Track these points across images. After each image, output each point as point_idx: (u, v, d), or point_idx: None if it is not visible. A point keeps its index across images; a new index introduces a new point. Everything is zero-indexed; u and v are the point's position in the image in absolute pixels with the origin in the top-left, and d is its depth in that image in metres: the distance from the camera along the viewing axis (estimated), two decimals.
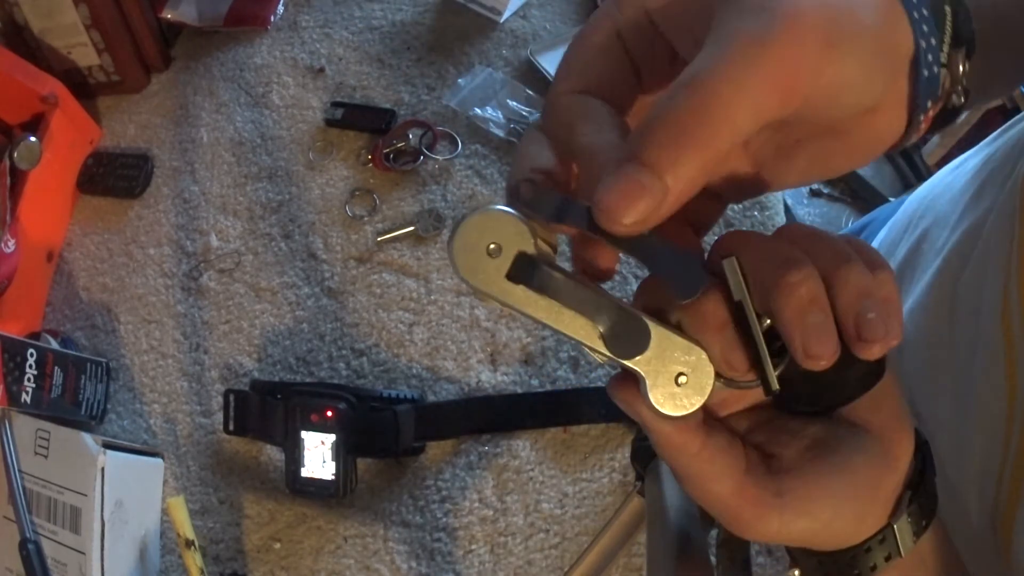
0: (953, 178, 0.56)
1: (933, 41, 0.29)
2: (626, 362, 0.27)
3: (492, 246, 0.26)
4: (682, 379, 0.27)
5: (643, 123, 0.25)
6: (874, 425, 0.30)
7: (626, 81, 0.30)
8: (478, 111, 0.73)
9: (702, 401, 0.27)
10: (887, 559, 0.30)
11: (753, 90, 0.24)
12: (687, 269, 0.26)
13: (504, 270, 0.26)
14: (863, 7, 0.27)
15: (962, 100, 0.32)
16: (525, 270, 0.26)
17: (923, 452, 0.32)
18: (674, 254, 0.26)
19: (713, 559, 0.39)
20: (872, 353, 0.26)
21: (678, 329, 0.27)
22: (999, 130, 0.54)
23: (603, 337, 0.27)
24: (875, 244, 0.64)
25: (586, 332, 0.27)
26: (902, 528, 0.31)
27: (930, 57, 0.29)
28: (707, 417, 0.29)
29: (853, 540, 0.30)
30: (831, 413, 0.31)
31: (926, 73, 0.29)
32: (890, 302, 0.26)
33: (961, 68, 0.31)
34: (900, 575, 0.32)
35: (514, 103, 0.74)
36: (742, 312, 0.27)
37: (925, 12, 0.29)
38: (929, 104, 0.30)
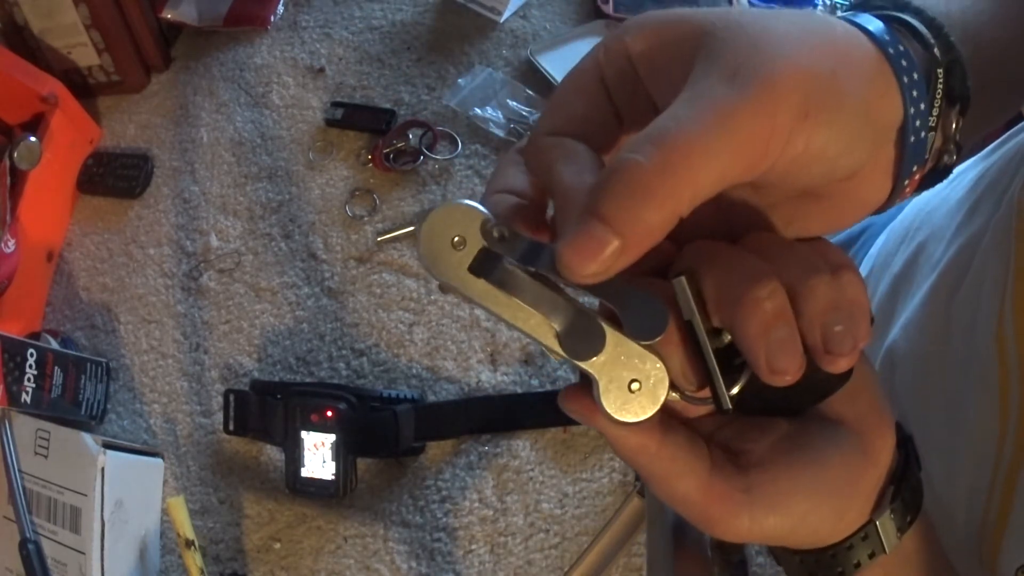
0: (950, 191, 0.56)
1: (923, 106, 0.28)
2: (579, 363, 0.27)
3: (456, 239, 0.26)
4: (635, 385, 0.27)
5: (606, 173, 0.24)
6: (849, 418, 0.29)
7: (607, 125, 0.30)
8: (478, 111, 0.73)
9: (655, 409, 0.27)
10: (871, 556, 0.30)
11: (720, 155, 0.24)
12: (649, 311, 0.26)
13: (466, 263, 0.27)
14: (849, 73, 0.26)
15: (954, 158, 0.31)
16: (486, 264, 0.27)
17: (906, 446, 0.31)
18: (636, 295, 0.26)
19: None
20: (839, 366, 0.26)
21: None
22: (996, 142, 0.53)
23: (559, 336, 0.27)
24: (872, 252, 0.64)
25: (542, 330, 0.27)
26: (885, 524, 0.30)
27: (918, 123, 0.28)
28: (665, 416, 0.28)
29: (834, 538, 0.30)
30: (802, 412, 0.30)
31: (913, 139, 0.28)
32: (856, 304, 0.26)
33: (953, 126, 0.30)
34: (885, 573, 0.31)
35: (514, 103, 0.74)
36: (693, 330, 0.27)
37: (916, 76, 0.28)
38: (915, 168, 0.29)
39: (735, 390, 0.27)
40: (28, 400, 0.57)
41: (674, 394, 0.27)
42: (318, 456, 0.57)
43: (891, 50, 0.27)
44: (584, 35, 0.78)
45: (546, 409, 0.61)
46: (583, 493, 0.59)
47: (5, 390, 0.56)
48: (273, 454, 0.63)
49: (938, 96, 0.29)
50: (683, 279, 0.27)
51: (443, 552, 0.58)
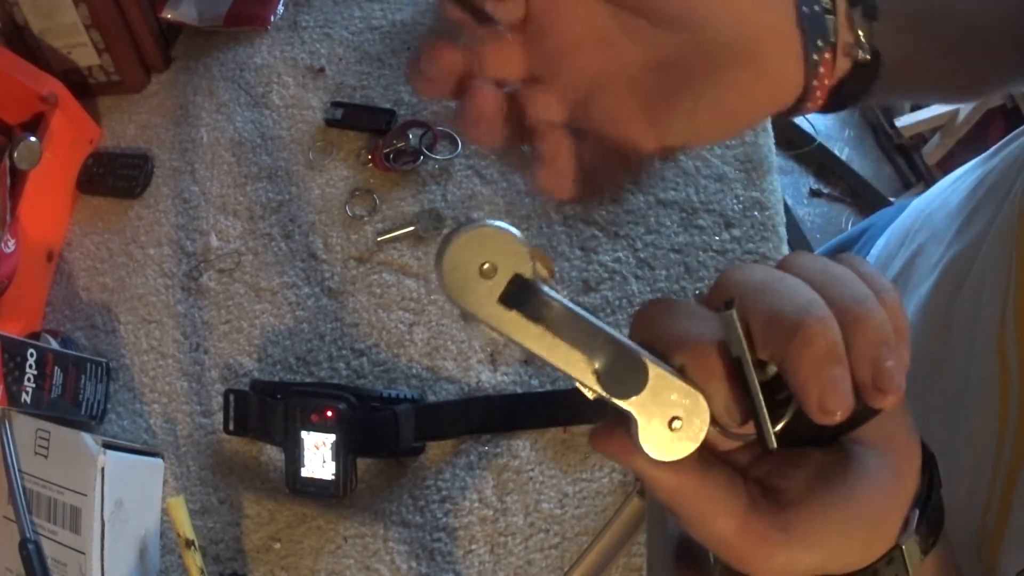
0: (950, 193, 0.56)
1: None
2: (620, 402, 0.25)
3: (486, 266, 0.24)
4: (676, 423, 0.25)
5: None
6: (880, 441, 0.28)
7: None
8: None
9: (695, 447, 0.26)
10: None
11: None
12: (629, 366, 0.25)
13: (497, 293, 0.24)
14: None
15: (868, 57, 0.32)
16: (520, 294, 0.24)
17: (930, 466, 0.30)
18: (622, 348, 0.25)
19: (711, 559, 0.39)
20: (887, 403, 0.25)
21: (680, 373, 0.26)
22: (997, 146, 0.53)
23: (597, 373, 0.25)
24: (872, 253, 0.64)
25: (580, 368, 0.25)
26: (910, 548, 0.29)
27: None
28: (704, 452, 0.27)
29: (860, 565, 0.29)
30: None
31: (806, 10, 0.30)
32: (901, 334, 0.25)
33: (860, 27, 0.31)
34: None
35: None
36: (741, 366, 0.25)
37: None
38: (820, 44, 0.30)
39: (779, 426, 0.25)
40: (28, 400, 0.57)
41: (715, 429, 0.26)
42: (318, 456, 0.57)
43: None
44: None
45: (546, 409, 0.61)
46: (583, 493, 0.59)
47: (5, 390, 0.56)
48: (273, 454, 0.63)
49: None
50: (733, 313, 0.25)
51: (443, 552, 0.58)
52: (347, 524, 0.60)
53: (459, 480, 0.60)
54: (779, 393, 0.25)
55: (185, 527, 0.54)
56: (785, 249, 0.66)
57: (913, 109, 1.96)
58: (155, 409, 0.66)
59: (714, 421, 0.26)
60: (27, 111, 0.71)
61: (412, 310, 0.66)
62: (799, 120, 1.98)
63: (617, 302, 0.65)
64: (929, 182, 1.89)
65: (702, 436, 0.26)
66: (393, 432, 0.58)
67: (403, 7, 0.82)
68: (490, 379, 0.63)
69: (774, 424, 0.25)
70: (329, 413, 0.56)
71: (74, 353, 0.64)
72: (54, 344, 0.65)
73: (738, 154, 0.70)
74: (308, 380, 0.65)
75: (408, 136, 0.72)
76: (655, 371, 0.25)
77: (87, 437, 0.56)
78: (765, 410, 0.25)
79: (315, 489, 0.57)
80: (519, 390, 0.62)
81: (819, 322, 0.24)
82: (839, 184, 1.95)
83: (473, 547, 0.58)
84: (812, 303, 0.24)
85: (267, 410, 0.59)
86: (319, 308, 0.68)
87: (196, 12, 0.82)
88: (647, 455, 0.26)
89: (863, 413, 0.26)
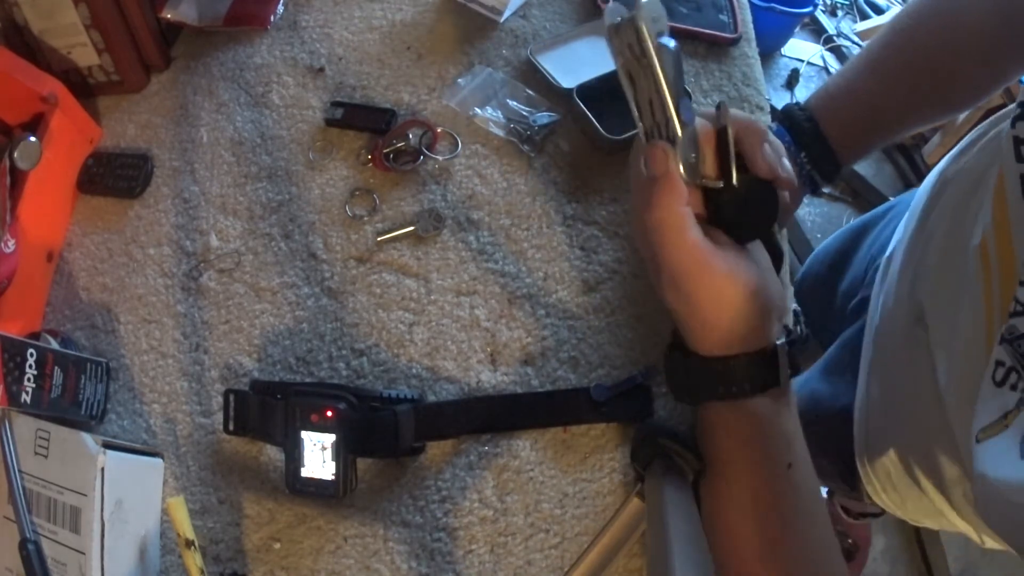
0: (955, 150, 0.71)
1: (802, 155, 0.64)
2: (677, 123, 0.44)
3: (656, 17, 0.43)
4: (692, 159, 0.45)
5: None
6: (766, 263, 0.50)
7: None
8: (478, 111, 0.73)
9: (697, 179, 0.46)
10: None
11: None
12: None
13: (656, 32, 0.43)
14: None
15: (824, 177, 0.64)
16: (663, 41, 0.43)
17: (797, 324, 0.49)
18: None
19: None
20: (766, 173, 0.47)
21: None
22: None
23: (675, 103, 0.44)
24: (913, 202, 0.78)
25: (671, 96, 0.44)
26: (782, 353, 0.47)
27: (802, 164, 0.63)
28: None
29: (750, 348, 0.46)
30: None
31: (803, 170, 0.63)
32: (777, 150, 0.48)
33: (816, 160, 0.62)
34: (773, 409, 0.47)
35: (514, 103, 0.74)
36: (724, 142, 0.46)
37: (791, 144, 0.63)
38: (807, 187, 0.64)
39: (735, 175, 0.46)
40: (28, 400, 0.57)
41: (703, 179, 0.46)
42: (318, 456, 0.57)
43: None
44: (584, 35, 0.77)
45: (546, 409, 0.61)
46: (583, 493, 0.59)
47: (5, 390, 0.56)
48: (273, 454, 0.63)
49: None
50: (724, 103, 0.47)
51: (443, 552, 0.58)
52: (347, 524, 0.60)
53: (459, 480, 0.60)
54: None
55: (185, 527, 0.54)
56: (784, 248, 0.66)
57: None
58: (155, 409, 0.66)
59: (704, 175, 0.46)
60: (27, 111, 0.71)
61: (412, 310, 0.66)
62: None
63: (617, 302, 0.65)
64: None
65: (700, 177, 0.46)
66: (393, 432, 0.58)
67: (403, 7, 0.82)
68: (490, 379, 0.63)
69: (730, 176, 0.46)
70: (329, 413, 0.56)
71: (74, 353, 0.64)
72: (54, 344, 0.65)
73: None
74: (308, 380, 0.65)
75: (408, 136, 0.72)
76: (688, 127, 0.45)
77: (87, 437, 0.56)
78: (734, 156, 0.46)
79: (315, 489, 0.57)
80: (519, 390, 0.62)
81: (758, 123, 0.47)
82: (839, 184, 1.95)
83: (473, 547, 0.58)
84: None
85: (267, 410, 0.59)
86: (319, 308, 0.68)
87: (196, 12, 0.82)
88: (677, 168, 0.45)
89: (762, 218, 0.48)
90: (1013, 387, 0.48)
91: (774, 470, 0.46)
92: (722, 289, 0.44)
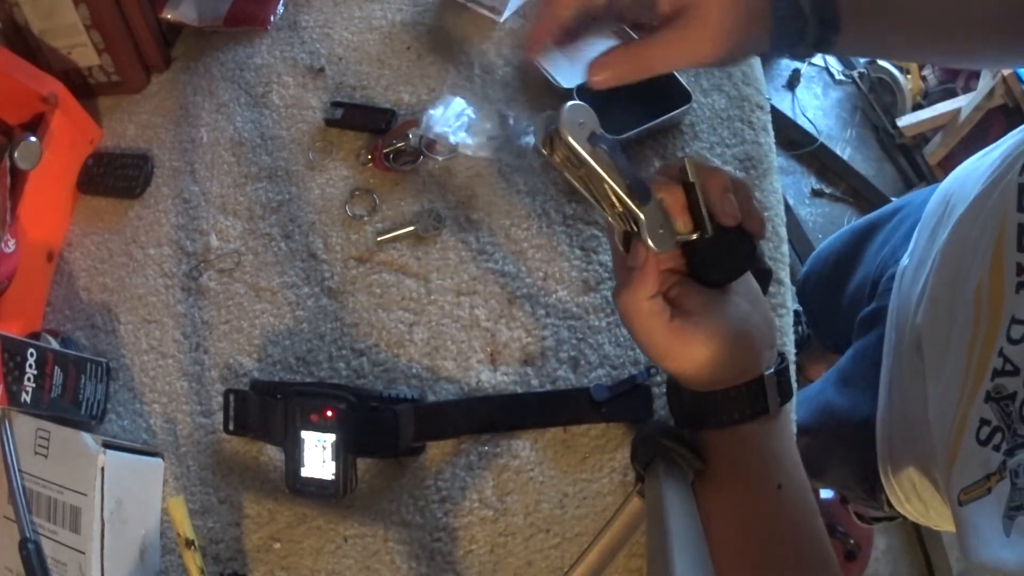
0: (978, 164, 0.68)
1: None
2: (637, 209, 0.45)
3: (582, 122, 0.43)
4: (661, 230, 0.46)
5: None
6: (750, 299, 0.49)
7: None
8: (458, 142, 0.71)
9: (673, 243, 0.46)
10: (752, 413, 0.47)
11: None
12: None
13: (586, 136, 0.43)
14: None
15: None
16: (594, 140, 0.43)
17: (782, 361, 0.49)
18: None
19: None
20: (729, 221, 0.46)
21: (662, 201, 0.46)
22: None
23: (628, 189, 0.44)
24: (926, 211, 0.76)
25: (620, 183, 0.44)
26: (770, 383, 0.47)
27: None
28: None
29: (737, 381, 0.47)
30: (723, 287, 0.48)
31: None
32: (744, 193, 0.47)
33: None
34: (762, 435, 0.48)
35: (489, 125, 0.71)
36: (693, 196, 0.46)
37: None
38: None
39: (709, 227, 0.46)
40: (28, 400, 0.57)
41: (677, 238, 0.46)
42: (318, 456, 0.57)
43: None
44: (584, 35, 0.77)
45: (546, 409, 0.61)
46: (583, 493, 0.59)
47: (5, 390, 0.56)
48: (273, 454, 0.63)
49: None
50: (688, 158, 0.47)
51: (443, 552, 0.58)
52: (347, 524, 0.60)
53: (459, 480, 0.60)
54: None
55: (185, 527, 0.54)
56: (785, 249, 0.66)
57: (915, 109, 1.95)
58: (155, 409, 0.66)
59: (679, 233, 0.46)
60: (27, 111, 0.71)
61: (412, 310, 0.66)
62: (801, 120, 1.98)
63: None
64: (931, 182, 1.88)
65: (676, 239, 0.46)
66: (393, 432, 0.58)
67: (403, 7, 0.82)
68: (490, 379, 0.63)
69: (704, 228, 0.46)
70: (329, 413, 0.56)
71: (74, 353, 0.64)
72: (54, 344, 0.65)
73: (738, 153, 0.70)
74: (308, 380, 0.65)
75: (408, 136, 0.72)
76: (653, 199, 0.45)
77: (87, 437, 0.56)
78: (707, 214, 0.46)
79: (315, 489, 0.57)
80: (519, 390, 0.62)
81: (728, 185, 0.46)
82: (841, 184, 1.95)
83: (473, 547, 0.58)
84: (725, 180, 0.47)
85: (267, 410, 0.59)
86: (319, 308, 0.68)
87: (196, 12, 0.82)
88: (648, 245, 0.45)
89: (740, 263, 0.48)
90: (996, 447, 0.48)
91: (763, 490, 0.47)
92: (698, 354, 0.46)
